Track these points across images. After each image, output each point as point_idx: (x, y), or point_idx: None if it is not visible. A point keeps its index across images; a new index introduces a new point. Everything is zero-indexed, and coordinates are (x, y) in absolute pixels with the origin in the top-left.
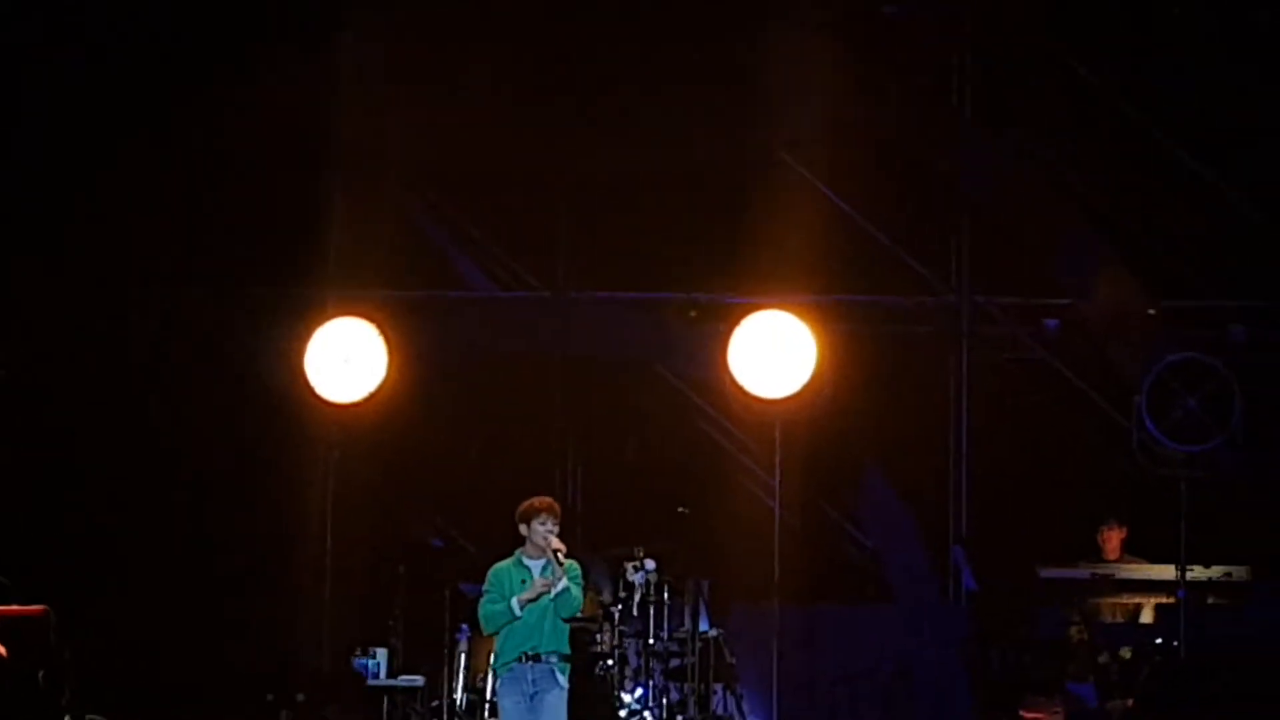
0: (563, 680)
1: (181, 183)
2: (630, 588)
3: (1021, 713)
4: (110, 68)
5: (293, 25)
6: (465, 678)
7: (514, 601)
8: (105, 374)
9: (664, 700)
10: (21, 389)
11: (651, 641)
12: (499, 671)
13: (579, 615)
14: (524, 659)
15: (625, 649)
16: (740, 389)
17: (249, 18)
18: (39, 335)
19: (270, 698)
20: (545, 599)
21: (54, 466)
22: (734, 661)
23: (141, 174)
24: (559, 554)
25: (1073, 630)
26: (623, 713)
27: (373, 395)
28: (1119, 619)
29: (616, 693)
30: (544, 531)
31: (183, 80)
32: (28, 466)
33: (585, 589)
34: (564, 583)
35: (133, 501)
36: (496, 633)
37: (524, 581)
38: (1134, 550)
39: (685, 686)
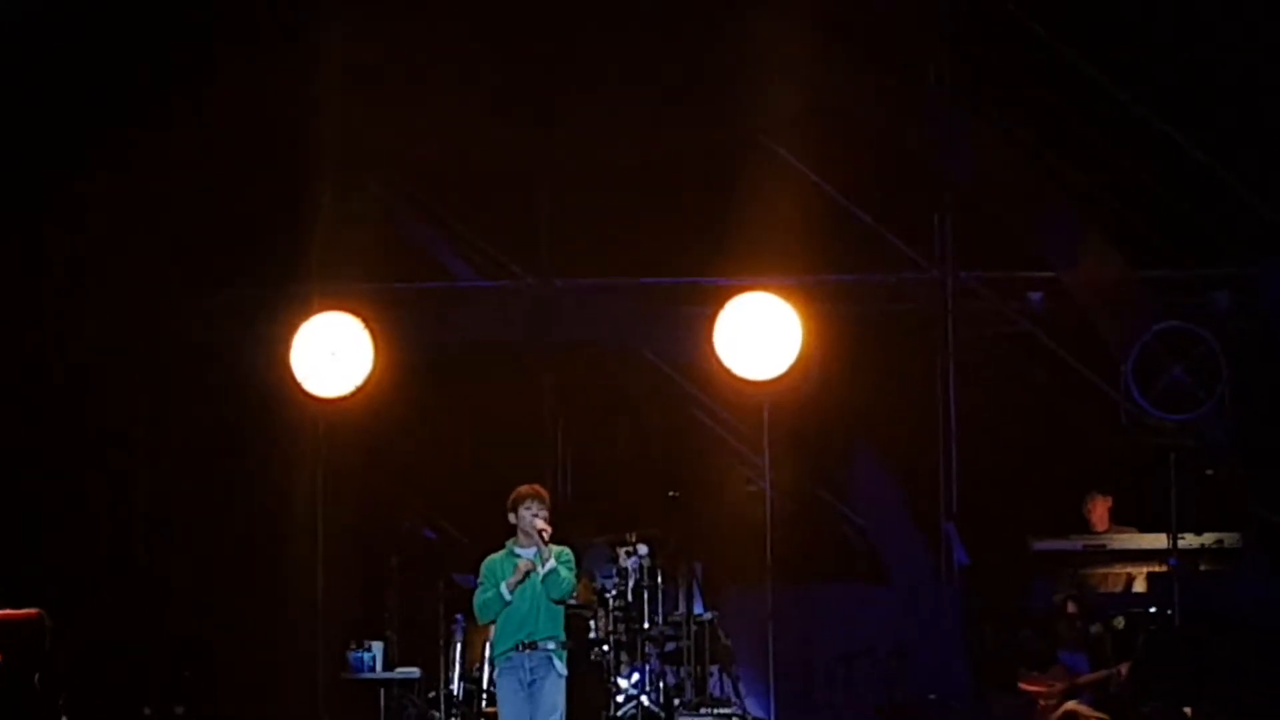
0: (560, 667)
1: (164, 180)
2: (624, 573)
3: (1020, 685)
4: (92, 65)
5: (272, 22)
6: (461, 668)
7: (502, 586)
8: (92, 373)
9: (660, 684)
10: (7, 391)
11: (646, 626)
12: (497, 661)
13: (574, 600)
14: (521, 647)
15: (620, 634)
16: (727, 372)
17: (231, 15)
18: (24, 337)
19: (147, 712)
20: (537, 584)
21: (43, 468)
22: (729, 643)
23: (123, 172)
24: (544, 534)
25: (1057, 598)
26: (619, 697)
27: (360, 389)
28: (1112, 589)
29: (613, 678)
30: (530, 517)
31: (164, 77)
32: (16, 469)
33: (579, 575)
34: (551, 563)
35: (122, 501)
36: (492, 622)
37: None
38: (1124, 520)
39: (681, 670)
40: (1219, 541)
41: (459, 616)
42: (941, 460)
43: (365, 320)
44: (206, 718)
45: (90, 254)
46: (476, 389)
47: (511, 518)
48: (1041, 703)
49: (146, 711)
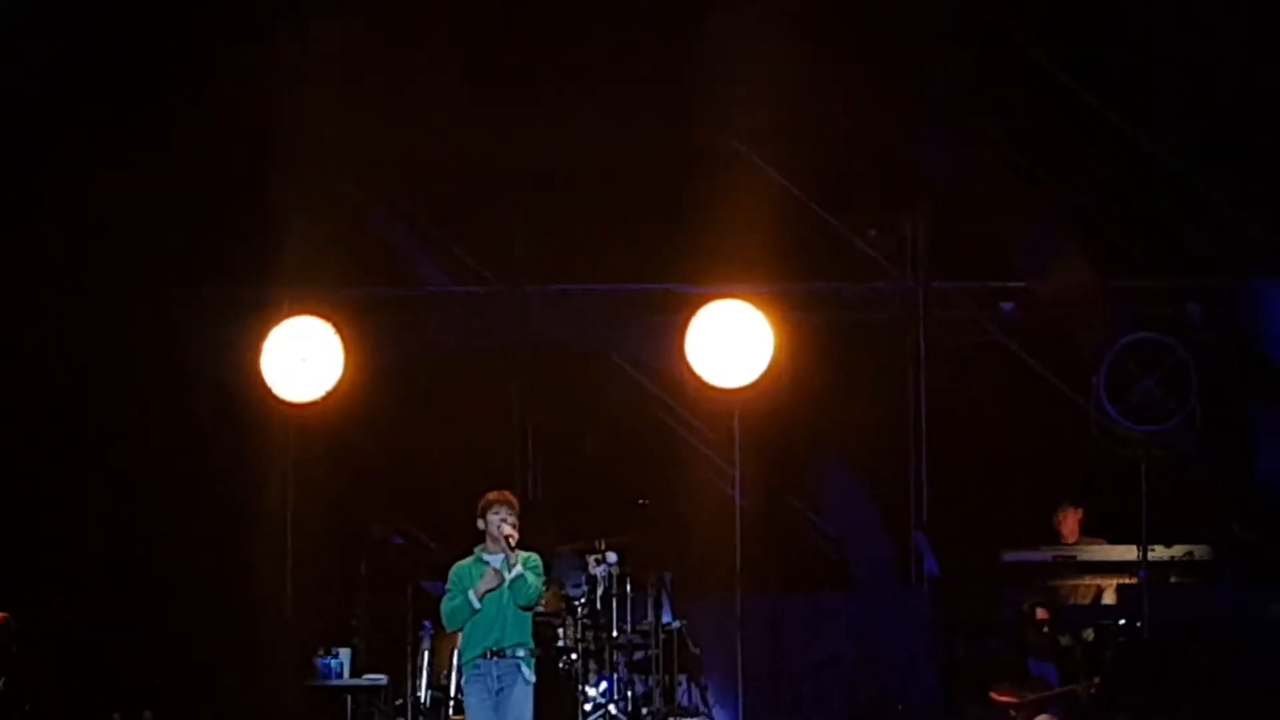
0: (528, 674)
1: (135, 181)
2: (592, 581)
3: (992, 695)
4: (63, 65)
5: (245, 22)
6: (429, 675)
7: (470, 593)
8: (59, 375)
9: (629, 693)
10: None
11: (615, 634)
12: (464, 668)
13: (542, 609)
14: (488, 655)
15: (589, 642)
16: (698, 379)
17: (202, 14)
18: None
19: (116, 717)
20: (504, 590)
21: (7, 471)
22: (698, 652)
23: (95, 172)
24: (510, 540)
25: (1024, 606)
26: (587, 706)
27: (330, 394)
28: (1082, 601)
29: (581, 686)
30: (498, 522)
31: (136, 77)
32: None
33: (548, 583)
34: (518, 569)
35: (89, 505)
36: (460, 629)
37: (482, 576)
38: (1094, 531)
39: (650, 679)
40: (1189, 554)
41: (427, 623)
42: (912, 470)
43: (336, 325)
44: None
45: (59, 251)
46: (446, 395)
47: (480, 524)
48: (1013, 713)
49: (116, 716)
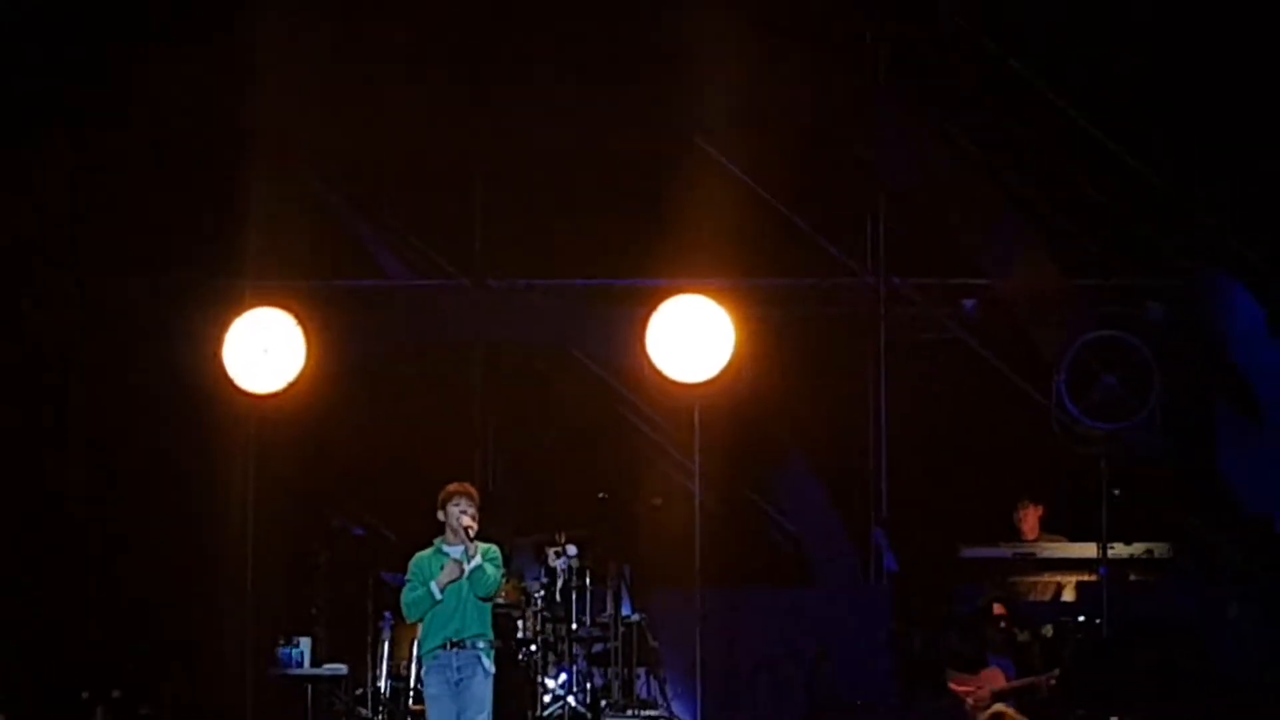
0: (488, 665)
1: (99, 172)
2: (552, 573)
3: (950, 685)
4: (27, 53)
5: (210, 14)
6: (389, 666)
7: (432, 585)
8: (18, 365)
9: (588, 685)
10: None
11: (574, 627)
12: (424, 659)
13: (501, 600)
14: (448, 646)
15: (548, 635)
16: (659, 374)
17: (167, 5)
18: None
19: (85, 695)
20: (464, 581)
21: None
22: (657, 645)
23: (58, 163)
24: (469, 531)
25: (982, 601)
26: (546, 698)
27: (292, 385)
28: (1041, 598)
29: (540, 678)
30: (457, 513)
31: (101, 68)
32: None
33: (508, 575)
34: (477, 560)
35: (47, 495)
36: (420, 620)
37: (443, 568)
38: (1055, 529)
39: (609, 671)
40: (1149, 552)
41: (387, 614)
42: (872, 466)
43: (298, 317)
44: (143, 703)
45: (20, 241)
46: (407, 387)
47: (440, 515)
48: (971, 702)
49: (84, 695)
